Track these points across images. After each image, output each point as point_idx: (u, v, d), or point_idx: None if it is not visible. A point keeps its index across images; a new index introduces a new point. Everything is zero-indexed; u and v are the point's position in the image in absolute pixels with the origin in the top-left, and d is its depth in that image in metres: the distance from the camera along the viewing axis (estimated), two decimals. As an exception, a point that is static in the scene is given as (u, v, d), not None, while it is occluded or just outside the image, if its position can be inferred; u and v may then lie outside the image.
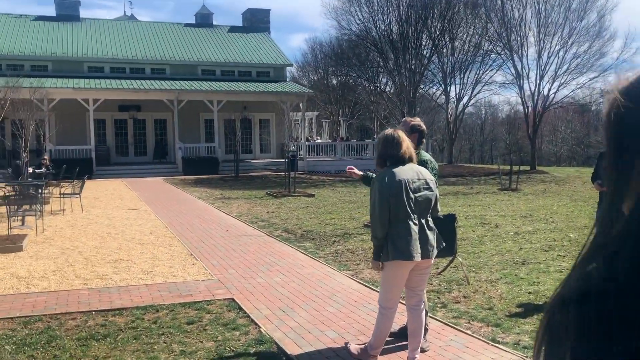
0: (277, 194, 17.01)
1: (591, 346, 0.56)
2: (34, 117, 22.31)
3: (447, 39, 33.42)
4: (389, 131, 4.05)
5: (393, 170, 3.97)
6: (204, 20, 35.37)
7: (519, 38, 30.44)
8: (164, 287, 6.46)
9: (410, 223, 3.96)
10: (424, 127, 4.91)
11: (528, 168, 28.10)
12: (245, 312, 5.48)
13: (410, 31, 31.91)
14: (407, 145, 4.01)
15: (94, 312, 5.52)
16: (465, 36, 33.82)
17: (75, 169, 17.63)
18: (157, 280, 6.79)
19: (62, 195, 13.31)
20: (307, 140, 32.27)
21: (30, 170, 17.22)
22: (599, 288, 0.57)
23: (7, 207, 9.92)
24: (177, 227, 11.00)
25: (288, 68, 35.76)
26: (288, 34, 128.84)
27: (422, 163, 4.50)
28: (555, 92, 30.63)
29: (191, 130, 29.11)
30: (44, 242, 9.39)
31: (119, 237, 9.86)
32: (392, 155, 3.99)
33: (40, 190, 13.43)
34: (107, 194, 17.81)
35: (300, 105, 29.25)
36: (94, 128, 26.06)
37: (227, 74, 31.13)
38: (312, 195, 17.00)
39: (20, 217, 10.95)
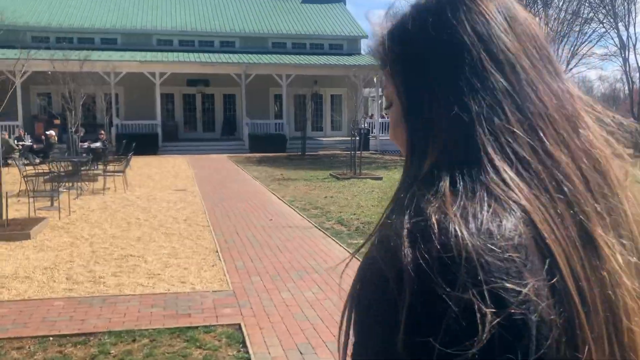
0: (341, 176, 15.39)
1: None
2: (100, 90, 21.87)
3: (540, 6, 30.12)
4: None
5: None
6: (277, -10, 33.94)
7: (625, 4, 26.83)
8: (160, 301, 5.03)
9: None
10: None
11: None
12: (248, 352, 3.92)
13: (498, -2, 28.88)
14: None
15: (51, 338, 4.15)
16: (561, 3, 30.36)
17: (132, 145, 16.81)
18: (158, 289, 5.37)
19: (104, 173, 12.33)
20: (382, 117, 30.33)
21: (86, 145, 16.56)
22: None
23: (27, 185, 8.90)
24: (218, 213, 9.64)
25: (364, 41, 33.79)
26: (368, 9, 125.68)
27: None
28: (667, 65, 26.85)
29: (260, 106, 27.94)
30: (62, 227, 8.29)
31: (147, 224, 8.61)
32: None
33: (83, 167, 12.57)
34: (164, 171, 16.87)
35: (375, 79, 27.29)
36: (160, 103, 25.40)
37: (298, 47, 29.64)
38: (380, 178, 15.24)
39: (52, 197, 9.97)
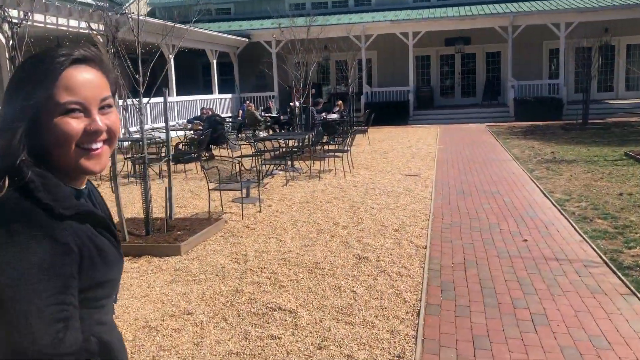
0: (643, 157, 10.82)
1: None
2: (350, 56, 20.32)
3: None
4: None
5: None
6: None
7: None
8: None
9: None
10: None
11: None
12: None
13: None
14: None
15: None
16: None
17: (372, 115, 14.67)
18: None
19: (323, 154, 10.29)
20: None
21: (322, 116, 14.95)
22: None
23: (206, 175, 7.16)
24: (446, 220, 6.68)
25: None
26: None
27: None
28: None
29: (529, 65, 23.34)
30: (234, 234, 6.33)
31: (342, 234, 6.12)
32: None
33: (299, 145, 10.74)
34: (404, 146, 14.31)
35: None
36: (413, 66, 22.81)
37: (584, -13, 23.88)
38: None
39: (246, 188, 8.22)
